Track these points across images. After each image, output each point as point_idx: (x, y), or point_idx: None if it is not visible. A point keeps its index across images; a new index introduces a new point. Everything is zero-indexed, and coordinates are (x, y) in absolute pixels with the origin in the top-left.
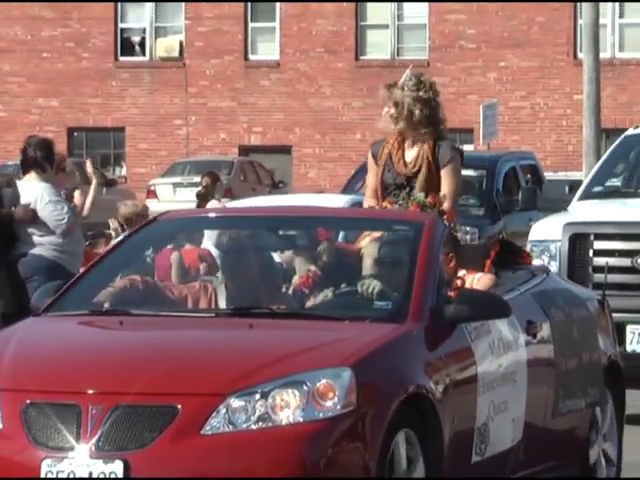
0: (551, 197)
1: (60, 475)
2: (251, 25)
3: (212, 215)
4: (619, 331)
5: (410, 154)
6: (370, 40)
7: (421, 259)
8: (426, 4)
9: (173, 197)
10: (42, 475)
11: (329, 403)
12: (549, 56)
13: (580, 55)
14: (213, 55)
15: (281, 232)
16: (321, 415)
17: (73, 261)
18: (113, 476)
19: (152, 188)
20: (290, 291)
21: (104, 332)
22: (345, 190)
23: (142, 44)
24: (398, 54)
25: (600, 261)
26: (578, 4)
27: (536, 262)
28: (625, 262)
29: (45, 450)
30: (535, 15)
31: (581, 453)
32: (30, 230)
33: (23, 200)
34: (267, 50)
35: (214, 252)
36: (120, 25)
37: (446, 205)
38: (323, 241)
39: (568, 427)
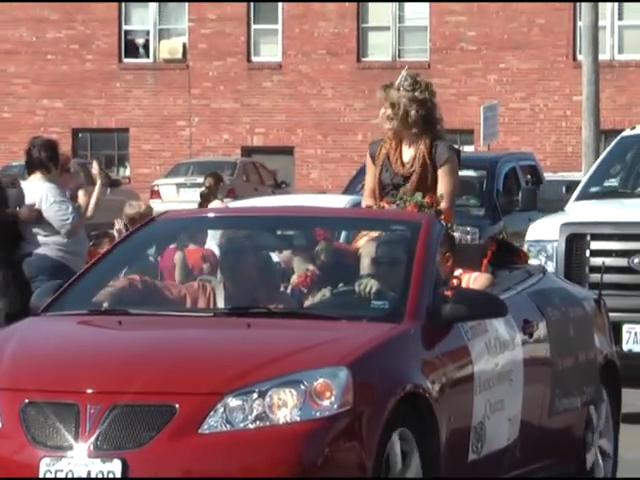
0: (548, 197)
1: (59, 474)
2: (254, 27)
3: (210, 215)
4: (616, 331)
5: (407, 154)
6: (371, 42)
7: (418, 259)
8: (427, 6)
9: (176, 197)
10: (41, 474)
11: (326, 402)
12: (549, 58)
13: (580, 57)
14: (216, 57)
15: (279, 232)
16: (318, 414)
17: (77, 261)
18: (111, 475)
19: (156, 188)
20: (289, 291)
21: (103, 332)
22: (347, 191)
23: (146, 46)
24: (399, 56)
25: (597, 261)
26: (577, 7)
27: (533, 262)
28: (622, 262)
29: (44, 449)
30: (535, 17)
31: (577, 451)
32: (35, 230)
33: (28, 200)
34: (269, 52)
35: (217, 252)
36: (124, 27)
37: (443, 205)
38: (321, 241)
39: (564, 426)
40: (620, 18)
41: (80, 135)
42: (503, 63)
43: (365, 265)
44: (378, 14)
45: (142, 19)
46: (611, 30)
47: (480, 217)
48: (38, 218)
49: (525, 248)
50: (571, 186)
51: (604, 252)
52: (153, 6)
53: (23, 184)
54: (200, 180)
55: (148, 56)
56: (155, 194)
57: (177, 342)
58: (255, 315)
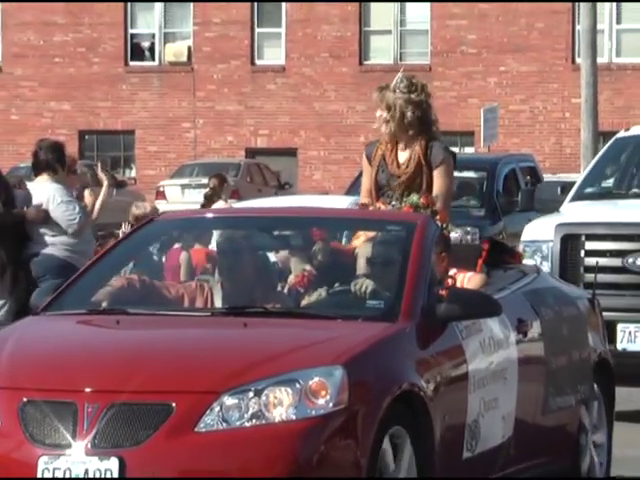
0: (544, 198)
1: (57, 472)
2: (257, 30)
3: (209, 215)
4: (610, 330)
5: (403, 155)
6: (373, 45)
7: (413, 259)
8: (428, 10)
9: (181, 198)
10: (39, 472)
11: (321, 401)
12: (548, 61)
13: (578, 60)
14: (220, 60)
15: (276, 232)
16: (313, 413)
17: (84, 261)
18: (109, 473)
19: (161, 189)
20: (285, 290)
21: (101, 331)
22: (349, 191)
23: (151, 49)
24: (401, 59)
25: (591, 261)
26: (576, 10)
27: (528, 262)
28: (616, 262)
29: (42, 447)
30: (534, 21)
31: (571, 449)
32: (42, 230)
33: (35, 201)
34: (273, 55)
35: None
36: (130, 31)
37: (438, 205)
38: (318, 241)
39: (558, 423)
40: (618, 22)
41: (87, 137)
42: (503, 66)
43: (361, 265)
44: (380, 18)
45: (148, 23)
46: (609, 33)
47: (480, 217)
48: (45, 218)
49: (521, 248)
50: (566, 187)
51: (599, 252)
52: (159, 10)
53: (30, 185)
54: (205, 181)
55: (154, 59)
56: (160, 195)
57: (174, 341)
58: (252, 315)
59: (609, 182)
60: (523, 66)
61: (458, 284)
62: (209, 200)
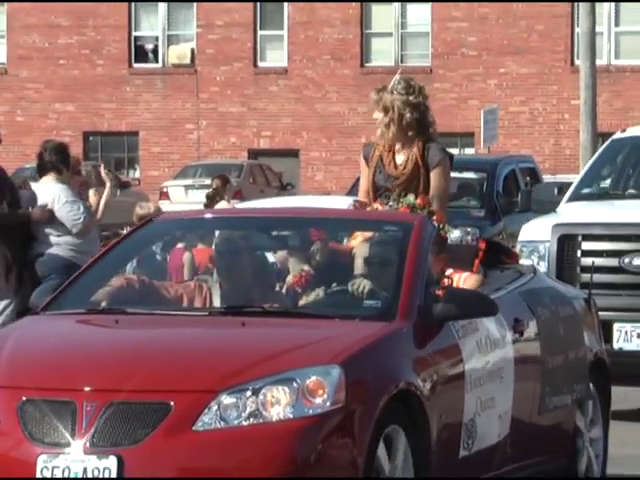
0: (542, 199)
1: (55, 470)
2: (260, 33)
3: (207, 216)
4: (606, 329)
5: (400, 157)
6: (375, 48)
7: (410, 259)
8: (429, 13)
9: (185, 199)
10: (38, 470)
11: (318, 400)
12: (547, 63)
13: (577, 62)
14: (223, 62)
15: (275, 233)
16: (311, 412)
17: (89, 260)
18: (107, 472)
19: (165, 190)
20: (284, 290)
21: (100, 330)
22: (350, 192)
23: (155, 51)
24: (402, 61)
25: (588, 261)
26: (575, 13)
27: (525, 262)
28: (612, 262)
29: (41, 446)
30: (534, 23)
31: (567, 448)
32: (47, 230)
33: (40, 201)
34: (275, 57)
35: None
36: (134, 33)
37: (435, 206)
38: (316, 241)
39: (554, 422)
40: (617, 24)
41: (91, 138)
42: (503, 68)
43: (359, 265)
44: (381, 20)
45: (151, 25)
46: (608, 36)
47: (480, 218)
48: (50, 218)
49: (518, 248)
50: (563, 188)
51: (595, 252)
52: (162, 12)
53: (34, 186)
54: (208, 182)
55: (157, 61)
56: (164, 195)
57: (172, 341)
58: (250, 314)
59: (606, 183)
60: (523, 68)
61: (454, 284)
62: (212, 200)
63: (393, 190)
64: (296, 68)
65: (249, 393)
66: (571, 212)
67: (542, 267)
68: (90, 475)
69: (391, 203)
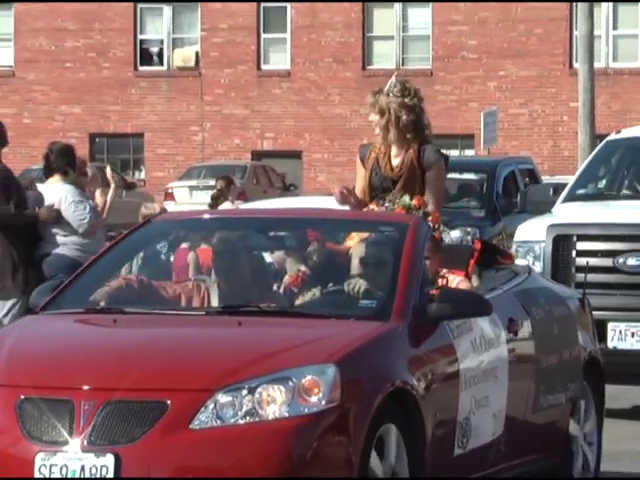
0: (537, 199)
1: (53, 468)
2: (263, 36)
3: (205, 217)
4: (601, 329)
5: (396, 158)
6: (376, 50)
7: (405, 259)
8: (430, 16)
9: (189, 199)
10: (36, 468)
11: (314, 399)
12: (546, 66)
13: (576, 65)
14: (227, 65)
15: (272, 233)
16: (306, 410)
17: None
18: (104, 469)
19: (170, 191)
20: (281, 290)
21: (98, 330)
22: None
23: (160, 54)
24: (403, 64)
25: (583, 261)
26: (574, 17)
27: (521, 262)
28: (607, 262)
29: (39, 444)
30: (533, 27)
31: (561, 446)
32: (54, 230)
33: (47, 202)
34: (279, 60)
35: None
36: (139, 36)
37: (430, 207)
38: (313, 242)
39: (549, 421)
40: (614, 28)
41: (97, 140)
42: (502, 71)
43: (355, 265)
44: (383, 24)
45: (156, 29)
46: (606, 39)
47: (480, 218)
48: (57, 218)
49: (513, 248)
50: (558, 188)
51: (590, 252)
52: (167, 16)
53: (41, 187)
54: (212, 183)
55: (162, 64)
56: (169, 196)
57: (170, 340)
58: (246, 314)
59: (600, 184)
60: (522, 71)
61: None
62: (216, 201)
63: (389, 191)
64: (299, 71)
65: (245, 392)
66: (566, 212)
67: (537, 267)
68: (88, 473)
69: (387, 204)
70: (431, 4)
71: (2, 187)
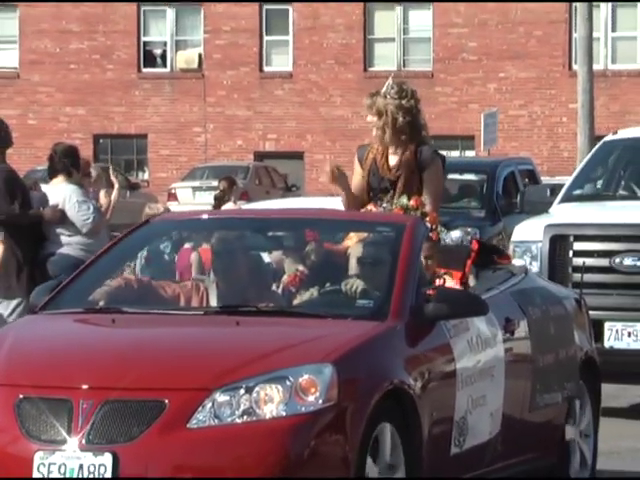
0: (534, 200)
1: (52, 467)
2: (266, 38)
3: (204, 217)
4: (598, 328)
5: (394, 159)
6: (378, 52)
7: (402, 260)
8: (430, 19)
9: (192, 200)
10: (34, 467)
11: (311, 398)
12: (546, 68)
13: (575, 67)
14: (230, 67)
15: (270, 233)
16: (303, 409)
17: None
18: (102, 468)
19: (173, 191)
20: (279, 290)
21: (97, 329)
22: None
23: (163, 56)
24: (404, 65)
25: (580, 261)
26: (573, 19)
27: (518, 262)
28: (604, 262)
29: (38, 443)
30: (533, 29)
31: (558, 445)
32: (58, 230)
33: (52, 202)
34: (281, 62)
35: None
36: (143, 38)
37: (428, 208)
38: (311, 242)
39: (545, 420)
40: (613, 30)
41: (101, 141)
42: (502, 72)
43: (353, 265)
44: (384, 26)
45: (160, 31)
46: (605, 41)
47: (481, 218)
48: (62, 218)
49: (511, 249)
50: (555, 189)
51: (587, 252)
52: (170, 18)
53: (45, 187)
54: (215, 183)
55: (165, 66)
56: (172, 197)
57: (168, 339)
58: (244, 313)
59: (597, 184)
60: (522, 72)
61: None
62: (219, 201)
63: (387, 192)
64: (301, 72)
65: (243, 391)
66: (563, 213)
67: (534, 267)
68: (86, 472)
69: (385, 205)
70: (432, 6)
71: (7, 187)
